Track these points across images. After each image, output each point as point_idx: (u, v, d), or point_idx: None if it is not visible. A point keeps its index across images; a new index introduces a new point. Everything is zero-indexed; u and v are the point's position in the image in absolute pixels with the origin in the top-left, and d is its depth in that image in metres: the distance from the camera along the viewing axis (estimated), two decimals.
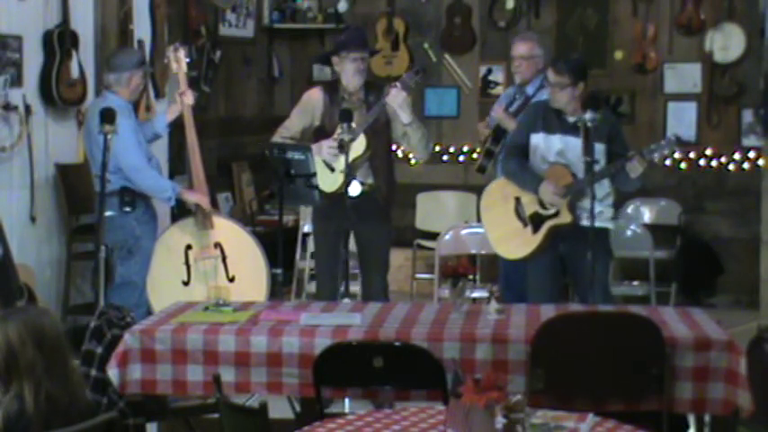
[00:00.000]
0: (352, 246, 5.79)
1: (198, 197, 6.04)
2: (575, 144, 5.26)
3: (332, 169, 5.62)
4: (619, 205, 7.66)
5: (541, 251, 5.46)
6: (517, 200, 5.54)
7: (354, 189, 5.47)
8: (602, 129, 5.26)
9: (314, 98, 5.80)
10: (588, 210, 5.23)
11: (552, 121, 5.41)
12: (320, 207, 5.76)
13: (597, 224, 5.29)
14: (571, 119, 5.29)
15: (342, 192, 5.41)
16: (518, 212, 5.55)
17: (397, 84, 5.53)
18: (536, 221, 5.46)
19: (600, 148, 5.28)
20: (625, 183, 5.34)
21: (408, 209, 8.43)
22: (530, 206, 5.48)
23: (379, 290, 5.73)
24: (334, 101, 5.72)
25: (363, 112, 5.62)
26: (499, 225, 5.66)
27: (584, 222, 5.27)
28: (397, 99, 5.52)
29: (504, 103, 6.50)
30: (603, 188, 5.38)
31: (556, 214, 5.39)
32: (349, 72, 5.67)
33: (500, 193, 5.66)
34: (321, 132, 5.72)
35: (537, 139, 5.46)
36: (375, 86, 5.79)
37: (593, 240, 5.05)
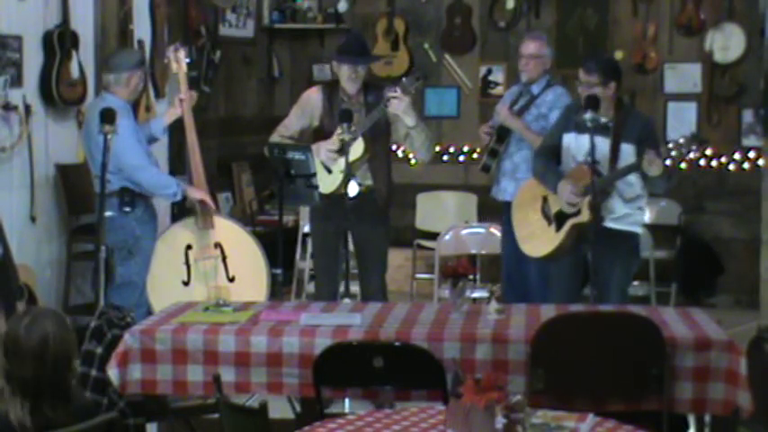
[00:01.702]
0: (351, 246, 5.79)
1: (202, 194, 6.03)
2: (603, 144, 5.23)
3: (329, 171, 5.63)
4: None
5: (564, 250, 5.42)
6: (544, 199, 5.53)
7: (352, 190, 5.47)
8: (632, 129, 5.26)
9: (313, 98, 5.80)
10: (613, 211, 5.22)
11: (583, 120, 5.38)
12: (318, 207, 5.76)
13: (623, 227, 5.30)
14: (602, 119, 5.24)
15: (340, 193, 5.42)
16: (544, 211, 5.54)
17: (397, 89, 5.51)
18: (560, 220, 5.45)
19: (629, 149, 5.25)
20: (653, 184, 5.30)
21: (408, 209, 8.43)
22: (555, 205, 5.47)
23: (378, 290, 5.73)
24: (333, 101, 5.72)
25: (362, 113, 5.61)
26: (526, 223, 5.66)
27: (609, 224, 5.25)
28: (400, 107, 5.50)
29: (508, 101, 6.48)
30: (634, 190, 5.32)
31: (577, 213, 5.37)
32: (344, 78, 5.68)
33: (530, 192, 5.66)
34: (320, 133, 5.72)
35: (568, 139, 5.45)
36: (375, 87, 5.78)
37: (613, 242, 5.09)
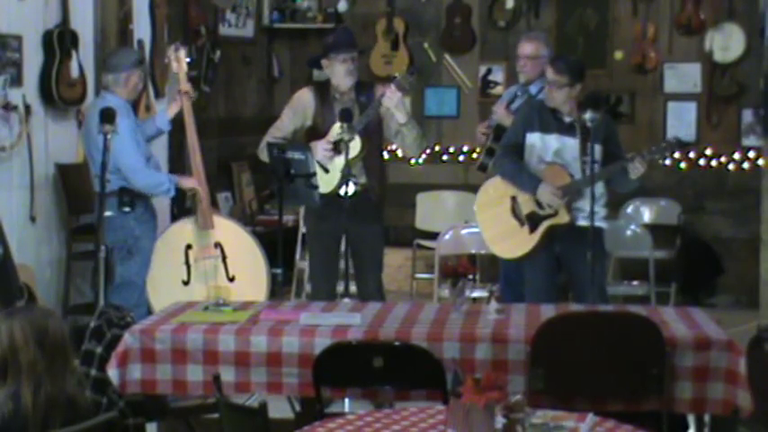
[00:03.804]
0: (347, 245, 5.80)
1: (193, 182, 6.05)
2: (571, 144, 5.27)
3: (326, 170, 5.62)
4: (618, 205, 7.68)
5: (538, 251, 5.46)
6: (513, 199, 5.54)
7: (348, 188, 5.48)
8: (598, 129, 5.26)
9: (304, 98, 5.81)
10: (584, 210, 5.23)
11: (549, 120, 5.41)
12: (314, 208, 5.76)
13: (594, 224, 5.29)
14: (568, 119, 5.29)
15: (337, 192, 5.43)
16: (515, 211, 5.54)
17: (392, 85, 5.53)
18: (533, 221, 5.45)
19: (596, 149, 5.28)
20: (624, 184, 5.34)
21: (408, 208, 8.43)
22: (526, 205, 5.48)
23: (374, 290, 5.72)
24: (325, 101, 5.73)
25: (356, 112, 5.62)
26: (495, 224, 5.66)
27: (581, 222, 5.27)
28: (392, 100, 5.52)
29: (506, 101, 6.49)
30: (598, 189, 5.36)
31: (554, 214, 5.38)
32: (340, 74, 5.67)
33: (496, 192, 5.66)
34: (313, 132, 5.73)
35: (533, 139, 5.46)
36: (366, 86, 5.80)
37: (585, 239, 5.07)
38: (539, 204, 5.44)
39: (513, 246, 5.56)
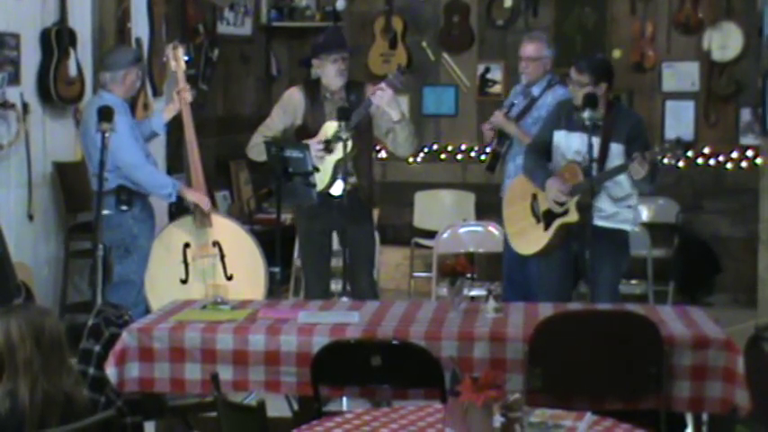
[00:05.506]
0: (338, 244, 5.79)
1: (198, 197, 6.01)
2: (594, 143, 5.22)
3: (317, 169, 5.62)
4: None
5: (553, 248, 5.44)
6: (534, 196, 5.53)
7: (336, 189, 5.48)
8: (621, 129, 5.25)
9: (294, 97, 5.81)
10: (602, 210, 5.22)
11: (574, 119, 5.38)
12: (305, 207, 5.76)
13: (613, 225, 5.30)
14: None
15: (328, 192, 5.43)
16: (533, 209, 5.55)
17: (383, 84, 5.53)
18: (548, 218, 5.45)
19: (618, 149, 5.25)
20: (638, 185, 5.31)
21: (406, 207, 8.43)
22: (544, 203, 5.47)
23: (368, 288, 5.73)
24: (315, 100, 5.73)
25: None
26: (516, 220, 5.68)
27: (598, 222, 5.24)
28: (383, 99, 5.52)
29: (506, 106, 6.48)
30: (623, 189, 5.33)
31: (565, 212, 5.37)
32: (330, 74, 5.67)
33: (520, 189, 5.67)
34: (303, 132, 5.73)
35: (559, 137, 5.45)
36: (356, 85, 5.80)
37: (602, 240, 5.08)
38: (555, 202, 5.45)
39: (529, 242, 5.56)
